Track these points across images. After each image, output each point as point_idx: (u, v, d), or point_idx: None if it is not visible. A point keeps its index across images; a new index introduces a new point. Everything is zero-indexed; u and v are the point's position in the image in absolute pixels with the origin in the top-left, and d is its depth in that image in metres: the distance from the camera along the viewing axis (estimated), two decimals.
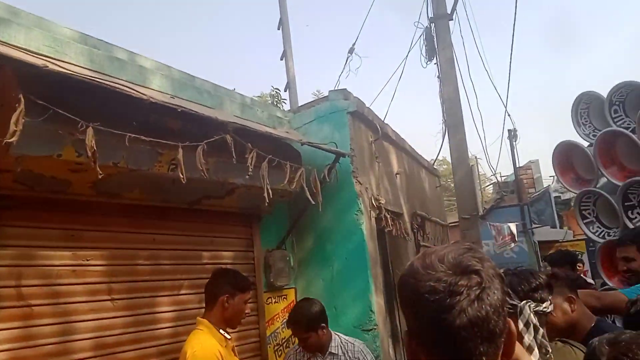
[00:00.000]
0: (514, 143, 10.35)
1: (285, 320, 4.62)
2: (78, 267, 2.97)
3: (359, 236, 4.53)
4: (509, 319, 1.00)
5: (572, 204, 5.64)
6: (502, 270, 2.07)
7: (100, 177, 2.42)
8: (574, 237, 11.29)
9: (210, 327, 2.83)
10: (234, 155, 2.98)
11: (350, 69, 9.71)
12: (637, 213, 4.75)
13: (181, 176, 2.73)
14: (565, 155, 5.36)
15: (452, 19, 8.50)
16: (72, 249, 2.95)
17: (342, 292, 4.57)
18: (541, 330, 1.74)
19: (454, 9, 8.50)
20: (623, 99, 5.06)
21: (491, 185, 14.82)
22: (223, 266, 3.63)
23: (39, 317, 2.74)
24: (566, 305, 2.25)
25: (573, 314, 2.24)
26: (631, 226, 4.64)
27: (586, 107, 5.52)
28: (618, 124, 4.98)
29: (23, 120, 2.13)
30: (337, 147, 4.27)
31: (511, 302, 1.90)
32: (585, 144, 5.40)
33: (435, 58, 8.78)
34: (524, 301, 1.91)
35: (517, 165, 10.95)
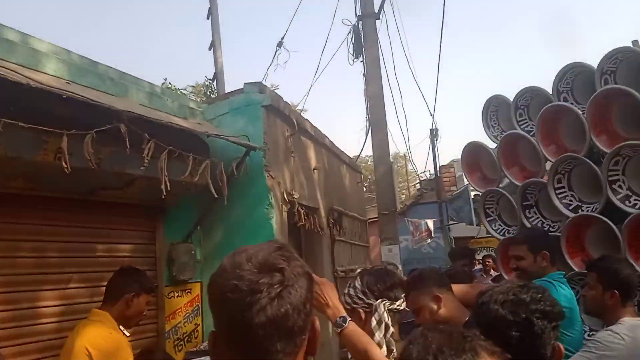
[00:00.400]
0: (436, 142, 10.71)
1: (188, 314, 4.54)
2: None
3: (269, 230, 4.51)
4: (314, 320, 1.02)
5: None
6: (360, 270, 2.12)
7: None
8: (486, 234, 11.83)
9: (112, 321, 2.74)
10: (127, 145, 2.86)
11: (279, 63, 9.66)
12: (534, 212, 5.00)
13: (64, 165, 2.59)
14: (472, 155, 5.56)
15: (379, 18, 8.65)
16: None
17: None
18: (391, 329, 1.79)
19: (381, 7, 8.64)
20: (527, 104, 5.31)
21: (418, 183, 15.30)
22: (122, 260, 3.51)
23: None
24: (433, 305, 2.31)
25: (441, 311, 2.30)
26: (528, 225, 4.89)
27: (495, 110, 5.75)
28: (522, 127, 5.22)
29: None
30: (249, 141, 4.22)
31: (367, 300, 1.95)
32: (494, 145, 5.64)
33: (362, 56, 8.92)
34: (379, 300, 1.97)
35: (439, 164, 11.32)
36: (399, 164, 25.45)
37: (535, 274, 3.15)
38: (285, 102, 5.07)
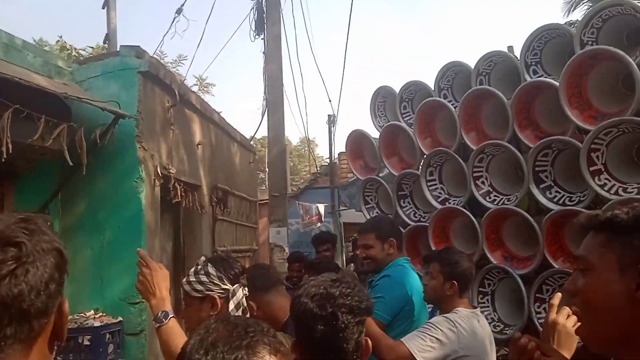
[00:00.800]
0: (332, 128, 10.80)
1: None
2: None
3: (137, 205, 4.27)
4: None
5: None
6: (204, 258, 2.04)
7: None
8: None
9: None
10: None
11: (177, 31, 9.19)
12: (408, 202, 5.17)
13: None
14: (356, 143, 5.64)
15: None
16: None
17: (111, 263, 4.28)
18: (248, 313, 1.76)
19: None
20: (412, 97, 5.45)
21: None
22: None
23: None
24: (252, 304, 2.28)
25: (257, 313, 2.25)
26: (402, 214, 5.05)
27: (383, 101, 5.87)
28: (405, 119, 5.36)
29: None
30: (119, 108, 3.94)
31: (223, 286, 1.89)
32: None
33: (263, 33, 8.73)
34: (237, 284, 1.91)
35: (335, 150, 11.46)
36: (305, 149, 25.58)
37: (383, 262, 3.23)
38: (169, 70, 4.80)
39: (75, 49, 18.00)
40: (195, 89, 22.93)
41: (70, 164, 3.42)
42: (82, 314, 4.26)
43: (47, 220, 4.11)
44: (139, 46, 4.27)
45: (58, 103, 3.60)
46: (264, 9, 8.46)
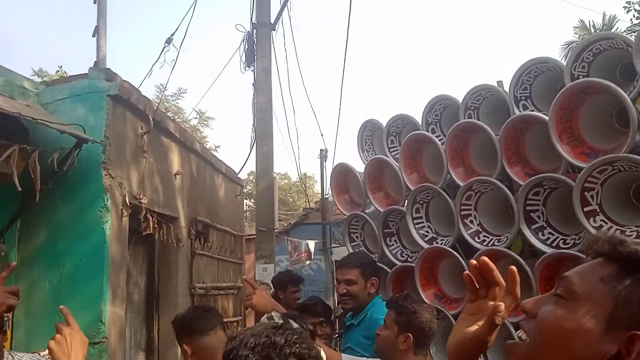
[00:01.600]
0: (324, 163, 10.59)
1: None
2: None
3: (100, 236, 3.98)
4: None
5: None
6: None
7: None
8: None
9: None
10: None
11: (166, 60, 9.06)
12: (394, 240, 4.89)
13: None
14: (341, 177, 5.40)
15: (275, 29, 8.40)
16: None
17: (71, 297, 3.96)
18: None
19: (277, 20, 8.40)
20: (400, 131, 5.26)
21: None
22: None
23: None
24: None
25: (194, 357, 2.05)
26: (388, 253, 4.76)
27: (370, 135, 5.67)
28: (393, 153, 5.14)
29: None
30: (84, 132, 3.70)
31: None
32: None
33: (253, 65, 8.62)
34: None
35: (325, 185, 11.21)
36: (307, 185, 25.40)
37: (363, 301, 2.99)
38: (143, 95, 4.58)
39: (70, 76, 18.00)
40: (194, 122, 22.91)
41: (19, 189, 3.15)
42: (36, 353, 3.92)
43: (2, 250, 3.82)
44: (109, 69, 4.08)
45: (14, 125, 3.36)
46: (255, 40, 8.37)
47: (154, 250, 5.55)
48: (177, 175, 5.49)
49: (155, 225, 4.81)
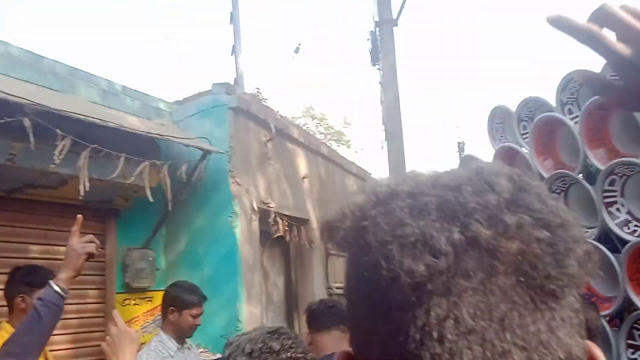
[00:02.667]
0: (461, 155, 10.16)
1: (147, 323, 4.33)
2: None
3: (232, 240, 4.25)
4: None
5: None
6: None
7: None
8: None
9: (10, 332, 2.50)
10: (31, 140, 2.67)
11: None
12: None
13: None
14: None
15: (397, 25, 8.27)
16: None
17: (211, 298, 4.26)
18: None
19: (399, 15, 8.25)
20: (532, 115, 4.84)
21: None
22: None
23: None
24: None
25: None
26: None
27: (501, 122, 5.30)
28: (526, 140, 4.76)
29: None
30: (210, 144, 3.99)
31: None
32: None
33: (378, 63, 8.58)
34: None
35: None
36: None
37: None
38: (264, 105, 4.80)
39: None
40: (338, 127, 23.37)
41: (150, 200, 3.48)
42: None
43: (149, 255, 4.26)
44: (228, 83, 4.34)
45: (148, 143, 3.73)
46: (378, 39, 8.33)
47: (289, 252, 5.77)
48: (304, 179, 5.65)
49: (286, 228, 4.99)
